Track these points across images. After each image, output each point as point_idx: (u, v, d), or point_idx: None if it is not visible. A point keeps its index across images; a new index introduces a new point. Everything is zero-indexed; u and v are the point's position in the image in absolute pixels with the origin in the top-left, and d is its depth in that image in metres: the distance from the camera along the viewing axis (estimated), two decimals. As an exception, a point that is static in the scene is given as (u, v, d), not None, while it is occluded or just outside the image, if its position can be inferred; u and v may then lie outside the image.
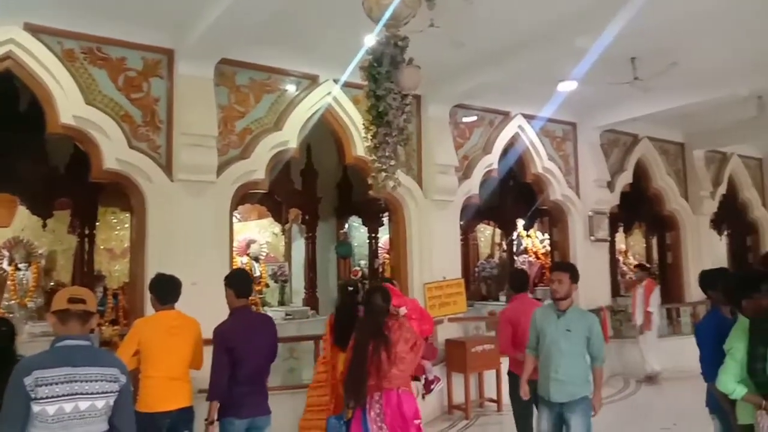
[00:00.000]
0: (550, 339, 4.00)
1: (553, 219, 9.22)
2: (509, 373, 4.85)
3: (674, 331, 9.39)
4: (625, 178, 9.58)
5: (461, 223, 11.07)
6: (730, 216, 12.30)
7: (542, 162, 8.54)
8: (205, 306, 4.24)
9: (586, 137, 9.01)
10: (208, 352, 3.95)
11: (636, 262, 14.30)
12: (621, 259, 13.77)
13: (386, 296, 4.05)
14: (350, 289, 4.56)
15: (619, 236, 13.30)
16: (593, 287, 8.67)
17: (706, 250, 10.85)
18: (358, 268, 10.86)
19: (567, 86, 7.57)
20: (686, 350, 9.15)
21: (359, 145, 6.48)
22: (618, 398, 7.65)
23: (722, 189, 11.30)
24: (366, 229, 10.35)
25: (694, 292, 10.27)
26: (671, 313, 9.55)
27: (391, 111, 4.14)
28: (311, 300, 9.32)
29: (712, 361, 3.41)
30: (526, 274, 5.56)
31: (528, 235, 11.99)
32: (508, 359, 4.98)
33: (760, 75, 7.04)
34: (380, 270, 10.28)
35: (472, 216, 11.40)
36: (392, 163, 4.18)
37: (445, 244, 7.43)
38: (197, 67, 5.58)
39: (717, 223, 13.65)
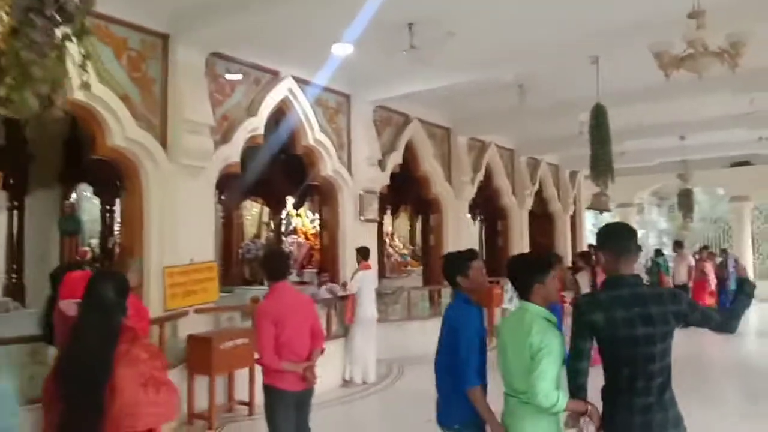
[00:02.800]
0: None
1: (323, 197, 8.51)
2: (266, 388, 3.68)
3: (434, 312, 9.40)
4: (396, 158, 9.30)
5: (223, 197, 9.92)
6: (484, 202, 13.05)
7: (314, 133, 7.73)
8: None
9: (359, 111, 8.45)
10: None
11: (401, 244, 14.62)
12: (387, 241, 13.86)
13: (121, 287, 2.75)
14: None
15: (386, 218, 13.34)
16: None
17: (464, 233, 11.24)
18: (87, 249, 8.92)
19: (342, 49, 6.85)
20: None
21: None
22: (381, 387, 7.28)
23: (480, 176, 11.84)
24: (99, 200, 8.45)
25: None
26: (432, 294, 9.56)
27: None
28: (15, 289, 7.24)
29: (479, 364, 2.88)
30: (285, 257, 4.51)
31: (298, 214, 11.23)
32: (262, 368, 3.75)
33: (526, 61, 7.12)
34: (116, 250, 8.53)
35: (238, 191, 10.26)
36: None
37: (196, 220, 6.16)
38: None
39: (472, 208, 14.58)
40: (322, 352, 3.85)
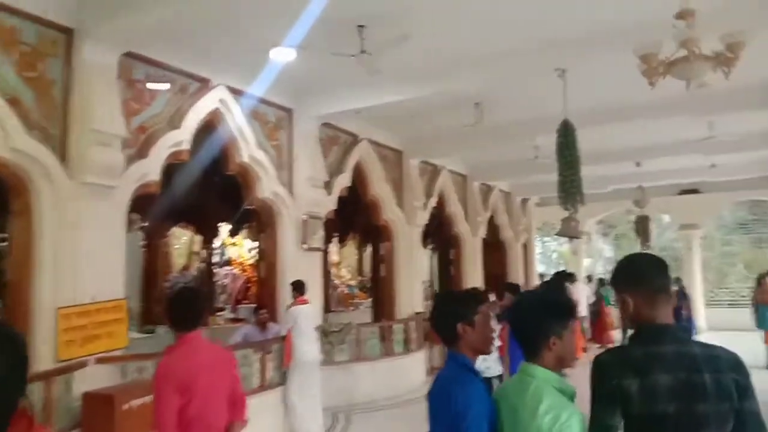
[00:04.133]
0: None
1: (261, 222, 7.55)
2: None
3: (386, 352, 8.47)
4: (343, 181, 8.47)
5: (145, 224, 8.81)
6: (436, 229, 12.37)
7: (250, 150, 6.83)
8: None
9: (303, 127, 7.60)
10: None
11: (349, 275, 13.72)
12: (333, 271, 12.94)
13: (15, 354, 1.72)
14: None
15: (333, 246, 12.45)
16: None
17: (417, 263, 10.47)
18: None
19: (282, 55, 6.04)
20: (398, 373, 8.72)
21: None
22: (326, 442, 6.30)
23: (433, 201, 11.16)
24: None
25: (404, 307, 9.74)
26: (383, 332, 8.67)
27: None
28: None
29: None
30: (198, 299, 3.38)
31: (234, 243, 10.16)
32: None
33: (486, 72, 6.48)
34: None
35: (163, 216, 9.16)
36: None
37: (102, 250, 5.09)
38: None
39: (424, 236, 13.88)
40: (244, 424, 2.91)
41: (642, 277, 1.86)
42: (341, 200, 8.82)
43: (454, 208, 12.08)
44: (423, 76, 6.57)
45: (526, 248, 15.93)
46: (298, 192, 7.50)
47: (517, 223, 15.17)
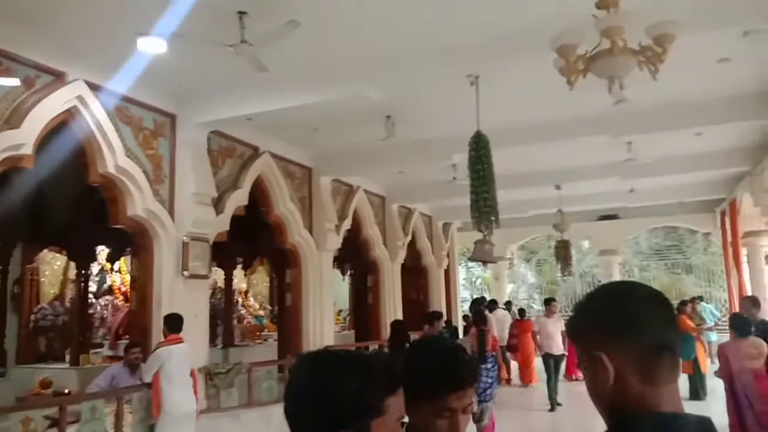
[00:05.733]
0: None
1: (134, 246, 6.44)
2: None
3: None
4: (239, 198, 7.48)
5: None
6: (352, 254, 11.54)
7: (116, 158, 5.76)
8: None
9: (187, 135, 6.60)
10: None
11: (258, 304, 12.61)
12: (240, 300, 11.81)
13: None
14: None
15: (238, 273, 11.36)
16: (189, 344, 6.16)
17: (327, 289, 9.54)
18: None
19: (151, 45, 5.07)
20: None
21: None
22: None
23: (347, 224, 10.32)
24: None
25: (313, 341, 8.78)
26: (284, 370, 7.65)
27: None
28: None
29: None
30: None
31: (115, 270, 8.90)
32: None
33: (387, 77, 5.75)
34: None
35: (30, 240, 7.85)
36: None
37: None
38: None
39: (341, 261, 13.01)
40: None
41: (634, 322, 1.05)
42: (245, 221, 7.85)
43: (371, 231, 11.29)
44: (319, 79, 5.78)
45: (448, 274, 15.34)
46: (181, 210, 6.47)
47: (439, 248, 14.56)
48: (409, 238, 12.97)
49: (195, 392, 5.80)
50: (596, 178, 10.46)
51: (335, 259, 10.97)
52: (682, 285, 18.19)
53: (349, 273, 14.00)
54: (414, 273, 13.67)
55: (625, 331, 1.04)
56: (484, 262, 8.89)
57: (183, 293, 6.36)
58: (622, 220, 14.93)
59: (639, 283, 1.14)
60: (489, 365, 6.82)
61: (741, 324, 5.61)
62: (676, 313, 1.04)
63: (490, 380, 6.72)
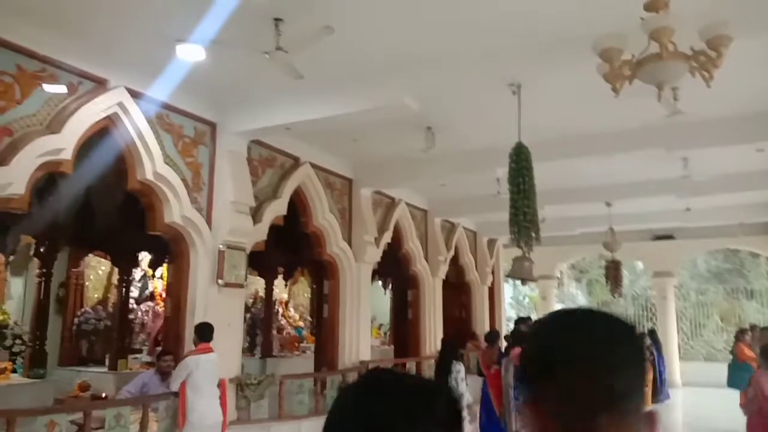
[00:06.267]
0: None
1: (170, 253, 6.48)
2: None
3: (317, 409, 7.29)
4: (278, 208, 7.45)
5: (41, 249, 7.70)
6: (393, 268, 11.36)
7: (155, 166, 5.82)
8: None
9: (228, 144, 6.63)
10: None
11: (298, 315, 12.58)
12: (280, 311, 11.81)
13: None
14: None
15: (279, 283, 11.36)
16: (222, 354, 6.14)
17: (365, 302, 9.37)
18: None
19: (190, 52, 5.10)
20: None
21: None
22: None
23: (388, 237, 10.17)
24: None
25: (348, 355, 8.64)
26: (317, 383, 7.53)
27: None
28: None
29: None
30: None
31: (157, 276, 9.02)
32: None
33: (432, 84, 5.59)
34: None
35: (76, 244, 8.04)
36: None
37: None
38: None
39: (383, 275, 12.85)
40: None
41: (569, 357, 0.84)
42: (285, 231, 7.83)
43: (413, 244, 11.10)
44: (357, 88, 5.70)
45: (493, 291, 14.94)
46: (218, 218, 6.47)
47: (484, 264, 14.21)
48: (452, 253, 12.71)
49: (224, 403, 5.76)
50: (650, 195, 9.96)
51: (376, 272, 10.84)
52: (742, 311, 17.13)
53: (390, 287, 13.81)
54: (456, 289, 13.36)
55: (556, 366, 0.83)
56: (523, 281, 8.53)
57: (218, 301, 6.34)
58: (677, 241, 14.21)
59: (589, 309, 0.93)
60: None
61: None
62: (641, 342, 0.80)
63: None
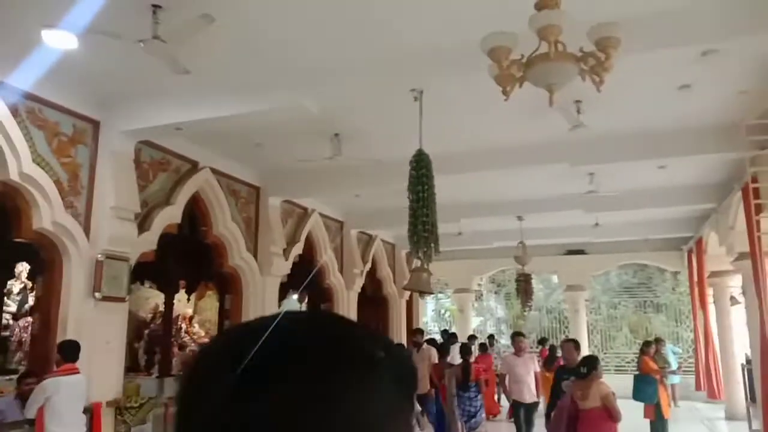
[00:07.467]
0: None
1: (40, 263, 5.81)
2: None
3: None
4: (171, 215, 6.90)
5: None
6: (305, 281, 10.92)
7: (21, 164, 5.18)
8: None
9: (112, 144, 6.04)
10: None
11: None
12: (183, 326, 11.10)
13: None
14: None
15: (180, 296, 10.68)
16: (99, 375, 5.54)
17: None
18: None
19: (60, 40, 4.56)
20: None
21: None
22: None
23: (299, 248, 9.76)
24: None
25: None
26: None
27: None
28: None
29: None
30: None
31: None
32: None
33: (332, 87, 5.30)
34: None
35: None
36: None
37: None
38: None
39: (295, 287, 12.38)
40: None
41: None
42: (185, 241, 7.26)
43: (326, 257, 10.74)
44: (252, 87, 5.32)
45: (411, 305, 14.78)
46: (98, 225, 5.87)
47: (402, 277, 14.02)
48: (369, 266, 12.44)
49: (96, 430, 5.16)
50: (558, 210, 10.09)
51: (291, 285, 10.39)
52: (650, 324, 17.85)
53: (306, 300, 13.36)
54: (373, 302, 13.09)
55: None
56: (421, 293, 8.39)
57: (94, 317, 5.72)
58: (588, 256, 14.59)
59: (248, 323, 0.63)
60: (472, 394, 7.94)
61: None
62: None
63: (473, 409, 7.88)
